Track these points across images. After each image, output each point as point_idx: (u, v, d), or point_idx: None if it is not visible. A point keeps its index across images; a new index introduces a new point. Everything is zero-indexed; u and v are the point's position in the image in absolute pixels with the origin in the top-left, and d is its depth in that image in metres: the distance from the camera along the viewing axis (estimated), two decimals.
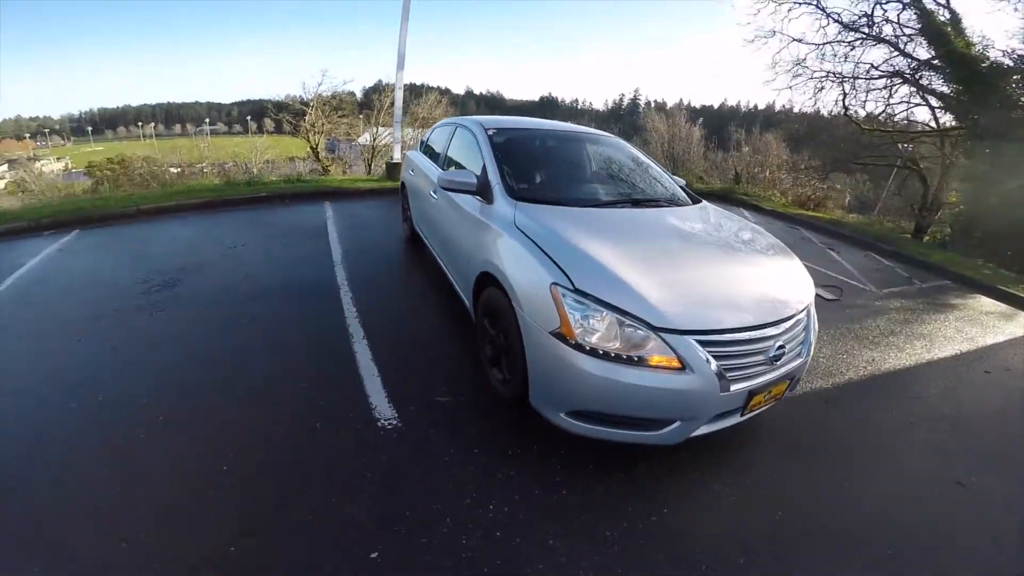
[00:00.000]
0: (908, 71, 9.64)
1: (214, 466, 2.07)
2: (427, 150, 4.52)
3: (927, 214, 11.69)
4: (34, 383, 2.61)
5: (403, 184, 5.22)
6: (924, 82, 9.88)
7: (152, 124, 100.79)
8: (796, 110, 15.27)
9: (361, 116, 19.94)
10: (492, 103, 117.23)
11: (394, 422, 2.40)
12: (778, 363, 2.12)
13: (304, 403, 2.53)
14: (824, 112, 12.88)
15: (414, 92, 21.50)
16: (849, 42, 10.02)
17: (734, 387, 1.97)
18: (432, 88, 26.53)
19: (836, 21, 10.04)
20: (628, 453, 2.27)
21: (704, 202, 3.34)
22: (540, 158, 3.40)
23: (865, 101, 11.02)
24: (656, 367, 1.87)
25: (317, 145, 17.70)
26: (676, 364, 1.87)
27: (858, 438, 2.73)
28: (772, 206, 10.32)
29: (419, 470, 2.12)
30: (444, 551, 1.74)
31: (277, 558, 1.68)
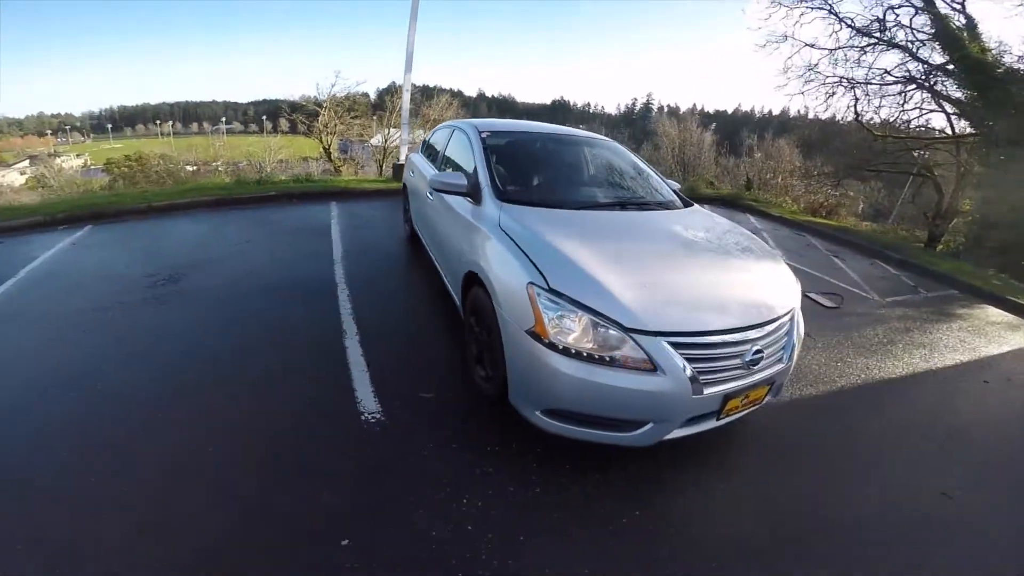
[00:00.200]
0: (921, 76, 9.50)
1: (201, 455, 2.14)
2: (427, 152, 4.59)
3: (940, 223, 11.47)
4: (38, 373, 2.72)
5: (404, 185, 5.30)
6: (939, 88, 9.73)
7: (170, 122, 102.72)
8: (811, 116, 15.07)
9: (374, 117, 20.18)
10: (503, 106, 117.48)
11: (378, 416, 2.46)
12: (755, 367, 2.12)
13: (292, 396, 2.60)
14: (838, 118, 12.71)
15: (426, 94, 21.65)
16: (861, 47, 9.90)
17: (708, 390, 1.98)
18: (444, 90, 26.67)
19: (848, 26, 9.94)
20: (605, 454, 2.29)
21: (695, 206, 3.35)
22: (531, 161, 3.44)
23: (879, 107, 10.88)
24: (628, 368, 1.89)
25: (330, 146, 17.95)
26: (647, 365, 1.89)
27: (843, 447, 2.71)
28: (780, 212, 10.23)
29: (398, 463, 2.17)
30: (414, 542, 1.79)
31: (251, 544, 1.74)
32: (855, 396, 3.27)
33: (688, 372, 1.92)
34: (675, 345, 1.92)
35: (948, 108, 10.09)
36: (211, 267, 4.40)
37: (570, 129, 4.18)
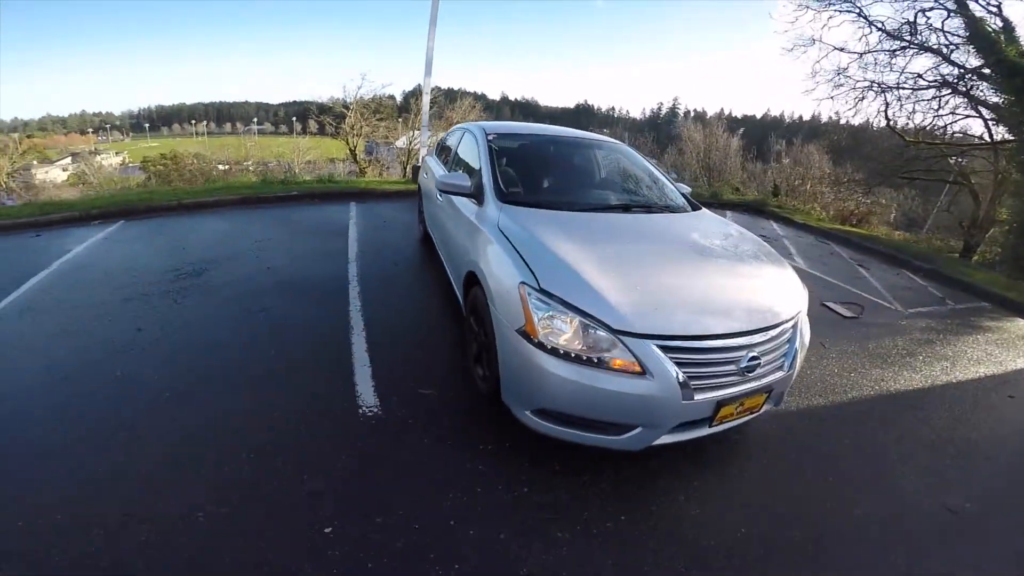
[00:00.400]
0: (955, 80, 9.15)
1: (203, 438, 2.25)
2: (440, 154, 4.67)
3: (976, 232, 11.02)
4: (61, 358, 2.88)
5: (419, 187, 5.39)
6: (975, 92, 9.35)
7: (204, 122, 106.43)
8: (843, 121, 14.64)
9: (400, 120, 20.53)
10: (526, 109, 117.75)
11: (375, 410, 2.52)
12: (751, 374, 2.09)
13: (293, 388, 2.68)
14: (871, 123, 12.34)
15: (449, 97, 21.90)
16: (891, 50, 9.60)
17: (699, 396, 1.96)
18: (468, 93, 26.94)
19: (879, 29, 9.65)
20: (596, 457, 2.28)
21: (704, 210, 3.32)
22: (537, 163, 3.46)
23: (912, 112, 10.51)
24: (616, 370, 1.89)
25: (355, 147, 18.33)
26: (636, 368, 1.88)
27: (846, 459, 2.63)
28: (805, 219, 9.98)
29: (390, 456, 2.22)
30: (395, 533, 1.82)
31: (238, 526, 1.82)
32: (866, 408, 3.17)
33: (678, 376, 1.90)
34: (665, 348, 1.90)
35: (985, 113, 9.70)
36: (231, 263, 4.56)
37: (580, 132, 4.19)
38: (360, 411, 2.50)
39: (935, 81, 9.46)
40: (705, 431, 2.13)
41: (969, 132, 10.91)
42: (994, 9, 8.64)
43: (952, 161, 11.78)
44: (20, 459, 2.09)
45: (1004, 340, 4.75)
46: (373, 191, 8.53)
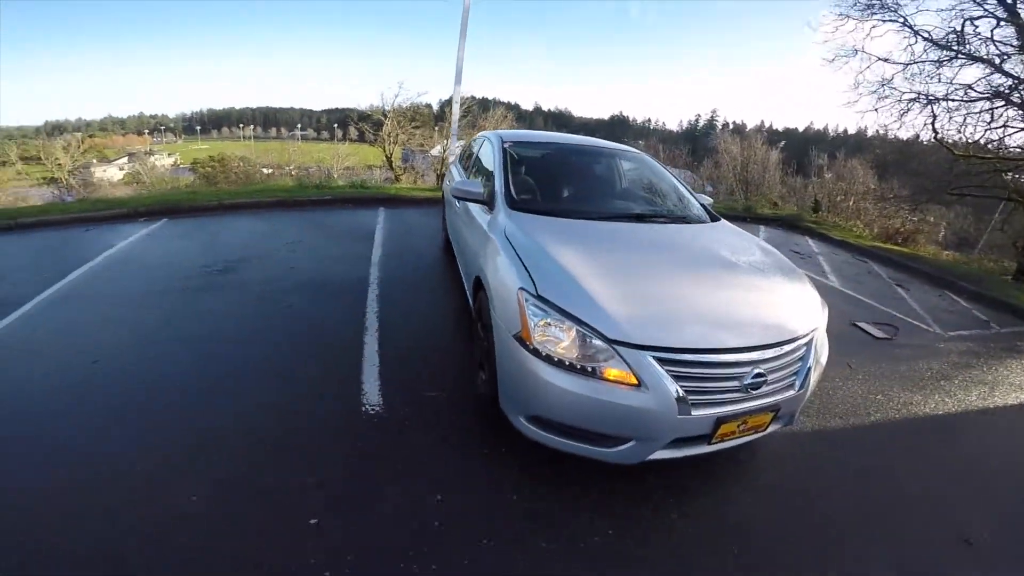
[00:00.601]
0: (1007, 90, 8.62)
1: (210, 428, 2.37)
2: (463, 160, 4.75)
3: None
4: (94, 344, 3.08)
5: (443, 194, 5.49)
6: None
7: (251, 126, 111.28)
8: (891, 135, 13.98)
9: (436, 128, 20.94)
10: (560, 120, 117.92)
11: (378, 409, 2.57)
12: (755, 392, 2.02)
13: (301, 383, 2.78)
14: (920, 137, 11.73)
15: (483, 106, 22.21)
16: (937, 61, 9.14)
17: (697, 412, 1.91)
18: (501, 103, 27.25)
19: (925, 39, 9.21)
20: (590, 470, 2.25)
21: (723, 221, 3.25)
22: (550, 171, 3.47)
23: (963, 125, 9.94)
24: (611, 381, 1.86)
25: (391, 154, 18.80)
26: (632, 380, 1.85)
27: (858, 485, 2.50)
28: (843, 236, 9.59)
29: (386, 455, 2.26)
30: (379, 529, 1.86)
31: (227, 513, 1.90)
32: (889, 432, 3.02)
33: (675, 390, 1.86)
34: (662, 361, 1.87)
35: None
36: (260, 262, 4.76)
37: (598, 141, 4.18)
38: (363, 409, 2.57)
39: (986, 92, 8.94)
40: (704, 448, 2.06)
41: None
42: None
43: (1007, 177, 11.05)
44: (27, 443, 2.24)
45: None
46: (403, 197, 8.72)
